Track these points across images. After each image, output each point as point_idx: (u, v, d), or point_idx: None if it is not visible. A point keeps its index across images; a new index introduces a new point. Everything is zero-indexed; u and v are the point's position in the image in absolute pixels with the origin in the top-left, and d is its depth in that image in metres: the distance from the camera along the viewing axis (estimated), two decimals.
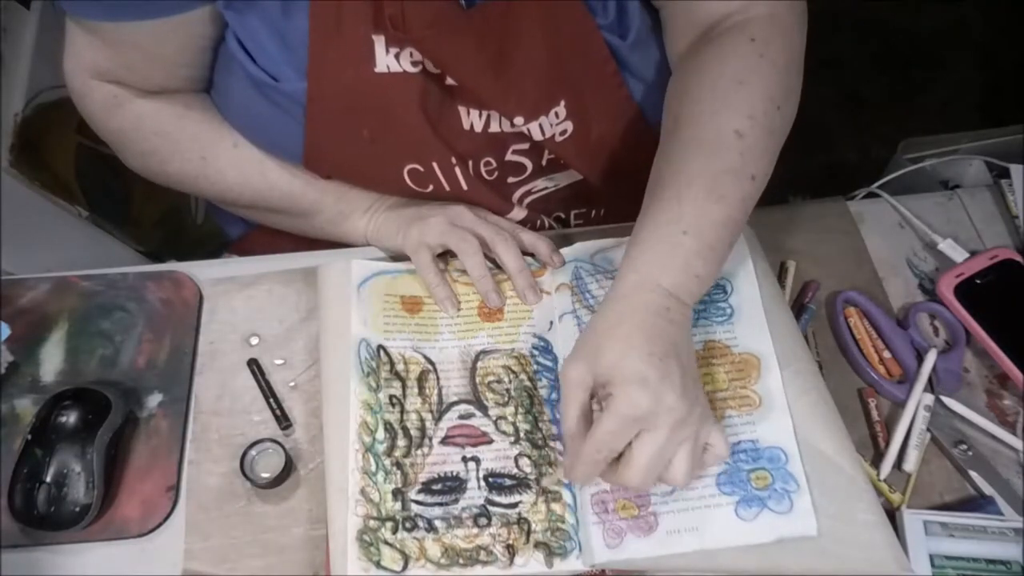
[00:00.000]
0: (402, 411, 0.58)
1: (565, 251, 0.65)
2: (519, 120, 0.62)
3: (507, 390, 0.60)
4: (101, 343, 0.65)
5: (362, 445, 0.56)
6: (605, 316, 0.51)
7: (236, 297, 0.68)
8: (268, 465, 0.59)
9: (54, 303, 0.67)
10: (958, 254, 0.69)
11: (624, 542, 0.52)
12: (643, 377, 0.47)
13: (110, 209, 1.00)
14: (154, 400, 0.63)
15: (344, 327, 0.61)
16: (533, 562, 0.53)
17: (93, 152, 0.98)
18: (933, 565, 0.54)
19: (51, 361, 0.65)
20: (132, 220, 1.04)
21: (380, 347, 0.60)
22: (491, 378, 0.60)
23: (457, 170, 0.65)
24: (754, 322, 0.59)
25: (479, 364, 0.61)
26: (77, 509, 0.57)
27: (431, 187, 0.66)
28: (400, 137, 0.62)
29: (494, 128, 0.64)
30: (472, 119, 0.63)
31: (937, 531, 0.55)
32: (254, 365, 0.64)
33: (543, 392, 0.60)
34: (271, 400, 0.63)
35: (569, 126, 0.64)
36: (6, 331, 0.64)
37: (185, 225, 1.14)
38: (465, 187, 0.66)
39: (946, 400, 0.62)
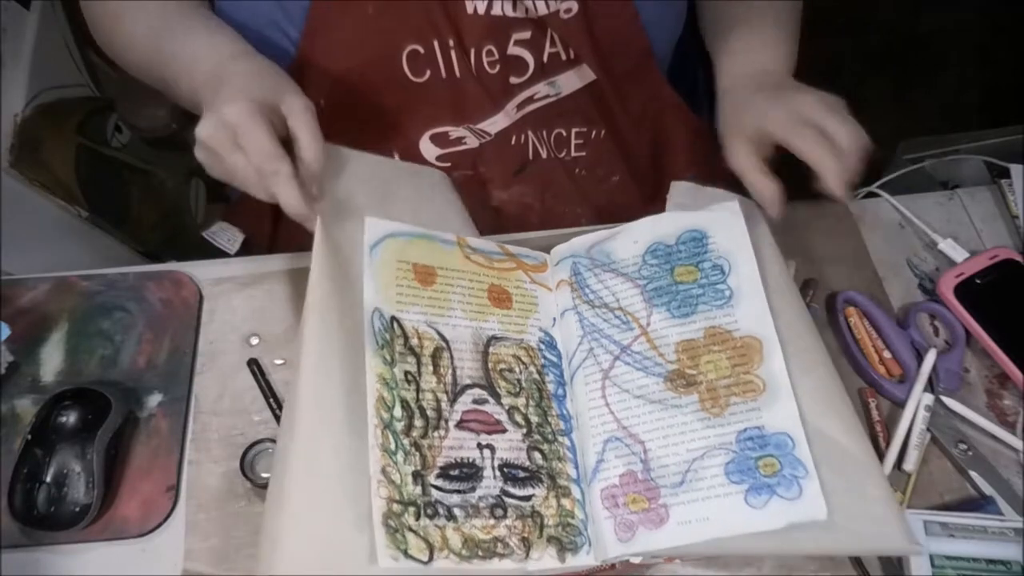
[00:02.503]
0: (418, 389, 0.55)
1: (562, 247, 0.65)
2: None
3: (518, 380, 0.59)
4: (101, 343, 0.65)
5: (380, 421, 0.52)
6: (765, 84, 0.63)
7: (236, 297, 0.68)
8: (268, 465, 0.59)
9: (54, 303, 0.67)
10: (958, 254, 0.69)
11: (636, 535, 0.53)
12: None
13: (110, 209, 1.00)
14: (154, 400, 0.63)
15: (357, 291, 0.56)
16: (547, 557, 0.52)
17: (93, 152, 0.98)
18: (933, 565, 0.54)
19: (51, 361, 0.65)
20: (132, 220, 1.04)
21: (393, 319, 0.57)
22: (502, 366, 0.59)
23: (454, 54, 0.66)
24: (754, 302, 0.59)
25: (491, 350, 0.59)
26: (77, 509, 0.57)
27: (428, 73, 0.67)
28: (404, 12, 0.63)
29: (496, 11, 0.65)
30: (476, 2, 0.64)
31: (937, 531, 0.55)
32: (254, 365, 0.64)
33: (550, 387, 0.60)
34: (271, 400, 0.63)
35: (574, 5, 0.65)
36: (6, 331, 0.64)
37: (185, 225, 1.14)
38: (459, 75, 0.67)
39: (946, 400, 0.62)
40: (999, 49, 1.74)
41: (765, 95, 0.62)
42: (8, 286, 0.67)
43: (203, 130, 0.51)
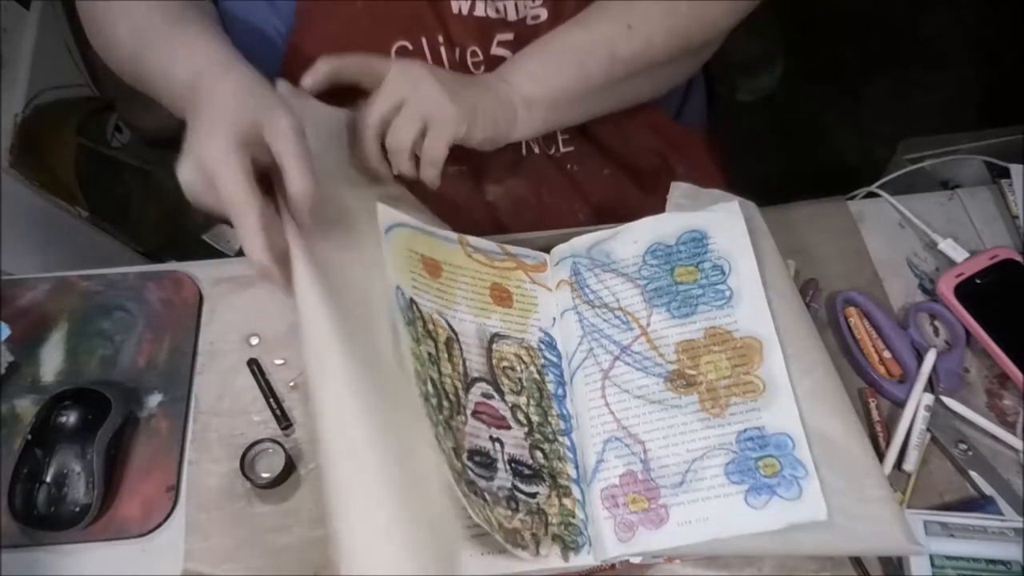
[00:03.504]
0: (439, 372, 0.55)
1: (562, 247, 0.65)
2: None
3: (519, 379, 0.59)
4: (101, 343, 0.65)
5: (421, 392, 0.52)
6: None
7: (236, 297, 0.68)
8: (268, 465, 0.59)
9: (54, 303, 0.67)
10: (958, 254, 0.69)
11: (636, 535, 0.53)
12: None
13: (110, 209, 1.00)
14: (154, 400, 0.63)
15: (380, 266, 0.56)
16: (553, 555, 0.53)
17: (93, 152, 0.99)
18: (933, 565, 0.54)
19: (51, 361, 0.65)
20: (132, 220, 1.04)
21: (412, 300, 0.57)
22: (505, 363, 0.59)
23: (443, 50, 0.66)
24: (755, 303, 0.59)
25: (494, 347, 0.60)
26: (77, 509, 0.57)
27: None
28: (393, 8, 0.64)
29: (479, 12, 0.66)
30: (460, 2, 0.65)
31: (937, 531, 0.55)
32: (254, 365, 0.64)
33: (550, 387, 0.60)
34: (271, 400, 0.63)
35: (543, 13, 0.67)
36: (6, 331, 0.64)
37: (185, 225, 1.14)
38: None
39: (946, 400, 0.62)
40: (999, 49, 1.74)
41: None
42: (8, 286, 0.67)
43: (182, 174, 0.50)
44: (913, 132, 0.98)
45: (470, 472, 0.52)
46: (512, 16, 0.66)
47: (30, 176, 0.86)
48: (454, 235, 0.63)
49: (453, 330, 0.58)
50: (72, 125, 0.96)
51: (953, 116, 1.68)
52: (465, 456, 0.52)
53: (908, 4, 1.79)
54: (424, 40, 0.66)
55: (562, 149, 0.77)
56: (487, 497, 0.52)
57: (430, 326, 0.56)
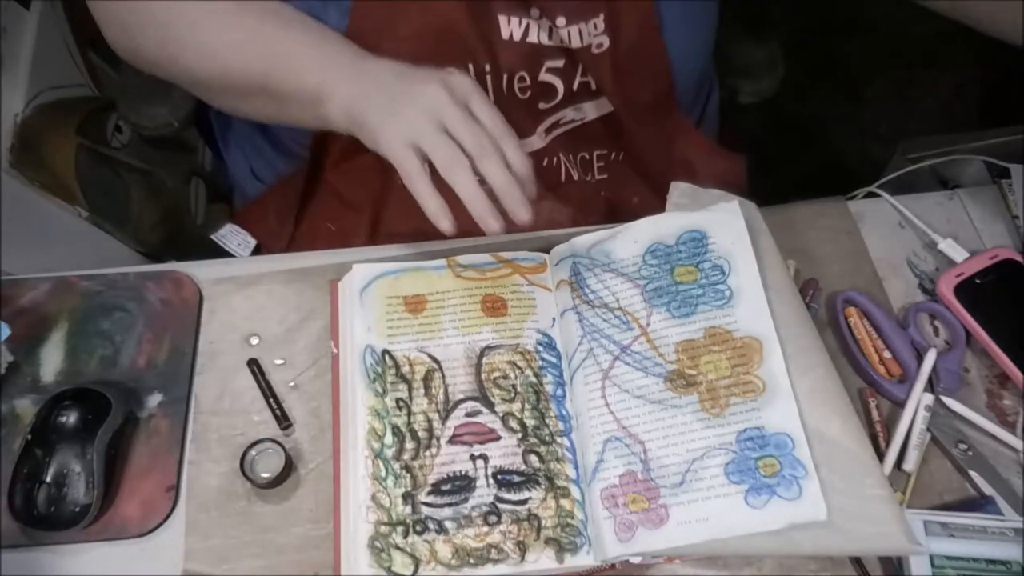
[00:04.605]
0: (409, 413, 0.58)
1: (562, 247, 0.65)
2: (560, 21, 0.63)
3: (513, 386, 0.60)
4: (101, 343, 0.65)
5: (371, 451, 0.57)
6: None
7: (236, 297, 0.68)
8: (268, 465, 0.59)
9: (54, 303, 0.67)
10: (958, 254, 0.69)
11: (636, 535, 0.53)
12: None
13: (110, 209, 1.00)
14: (154, 400, 0.63)
15: (350, 335, 0.61)
16: (544, 559, 0.54)
17: (93, 152, 0.98)
18: (933, 565, 0.54)
19: (51, 361, 0.65)
20: (132, 220, 1.04)
21: (385, 351, 0.60)
22: (496, 374, 0.60)
23: (489, 79, 0.66)
24: (755, 303, 0.59)
25: (484, 360, 0.61)
26: (77, 509, 0.57)
27: None
28: (440, 38, 0.63)
29: (532, 38, 0.65)
30: (512, 27, 0.64)
31: (937, 531, 0.55)
32: (254, 365, 0.64)
33: (549, 388, 0.60)
34: (271, 400, 0.63)
35: (605, 41, 0.66)
36: (6, 331, 0.64)
37: (185, 225, 1.14)
38: (493, 100, 0.67)
39: (946, 400, 0.62)
40: (999, 49, 1.74)
41: None
42: (8, 286, 0.67)
43: (428, 91, 0.51)
44: (913, 132, 0.98)
45: (425, 508, 0.55)
46: (576, 42, 0.65)
47: (30, 176, 0.86)
48: (443, 261, 0.65)
49: (435, 360, 0.60)
50: (72, 125, 0.96)
51: (953, 116, 1.68)
52: (425, 492, 0.56)
53: (908, 4, 1.79)
54: (471, 68, 0.65)
55: (597, 176, 0.77)
56: (447, 526, 0.55)
57: (405, 368, 0.60)
